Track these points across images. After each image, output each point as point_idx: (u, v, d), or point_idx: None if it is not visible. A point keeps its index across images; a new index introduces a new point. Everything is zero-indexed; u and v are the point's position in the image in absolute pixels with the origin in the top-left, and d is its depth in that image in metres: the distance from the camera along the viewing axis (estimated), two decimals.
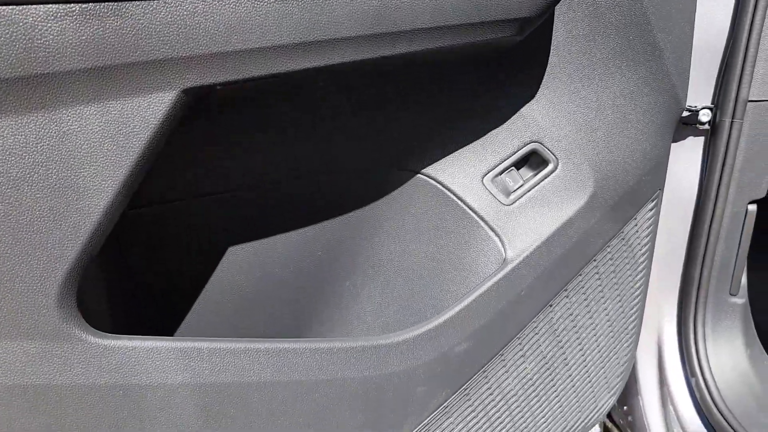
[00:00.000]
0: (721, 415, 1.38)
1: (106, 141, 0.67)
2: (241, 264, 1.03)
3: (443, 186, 1.05)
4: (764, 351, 1.48)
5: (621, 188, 1.11)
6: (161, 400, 0.80)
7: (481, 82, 1.04)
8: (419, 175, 1.05)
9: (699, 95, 1.31)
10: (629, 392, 1.56)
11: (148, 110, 0.68)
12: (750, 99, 1.26)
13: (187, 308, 1.02)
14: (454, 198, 1.05)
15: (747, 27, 1.21)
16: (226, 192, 0.98)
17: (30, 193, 0.67)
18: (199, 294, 1.02)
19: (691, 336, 1.43)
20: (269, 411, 0.86)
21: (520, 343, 1.08)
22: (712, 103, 1.31)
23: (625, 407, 1.61)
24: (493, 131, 1.05)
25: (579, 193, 1.07)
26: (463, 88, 1.04)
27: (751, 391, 1.42)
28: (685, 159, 1.35)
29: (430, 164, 1.05)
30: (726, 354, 1.44)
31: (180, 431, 0.82)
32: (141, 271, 0.98)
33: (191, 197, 0.96)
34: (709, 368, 1.42)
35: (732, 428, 1.35)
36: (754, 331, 1.48)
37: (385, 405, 0.96)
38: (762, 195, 1.35)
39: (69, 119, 0.66)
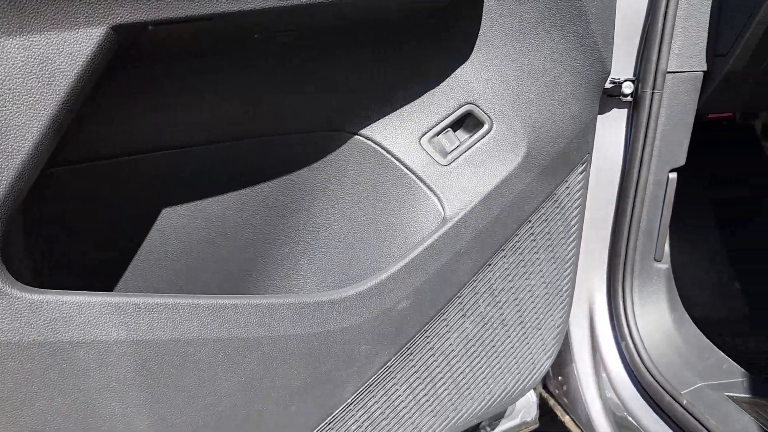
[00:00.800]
0: (651, 375, 1.43)
1: (30, 77, 0.64)
2: (175, 228, 0.99)
3: (381, 147, 1.05)
4: (686, 313, 1.55)
5: (553, 150, 1.14)
6: (95, 357, 0.76)
7: (416, 44, 1.05)
8: (357, 136, 1.05)
9: (622, 68, 1.36)
10: (563, 361, 1.60)
11: (75, 46, 0.65)
12: (668, 70, 1.32)
13: (117, 274, 0.98)
14: (393, 159, 1.05)
15: (664, 0, 1.27)
16: (158, 151, 0.94)
17: None
18: (130, 260, 0.98)
19: (620, 301, 1.49)
20: (210, 369, 0.84)
21: (460, 303, 1.09)
22: (634, 76, 1.36)
23: (560, 377, 1.65)
24: (429, 93, 1.06)
25: (513, 153, 1.09)
26: (399, 50, 1.04)
27: (677, 351, 1.48)
28: (611, 130, 1.40)
29: (367, 125, 1.05)
30: (652, 317, 1.50)
31: (116, 390, 0.78)
32: (71, 231, 0.94)
33: (122, 156, 0.92)
34: (638, 331, 1.48)
35: (661, 386, 1.41)
36: (677, 294, 1.55)
37: (329, 363, 0.94)
38: (681, 163, 1.42)
39: None
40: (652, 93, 1.34)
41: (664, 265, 1.52)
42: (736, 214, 2.03)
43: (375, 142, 1.05)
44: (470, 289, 1.10)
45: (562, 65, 1.14)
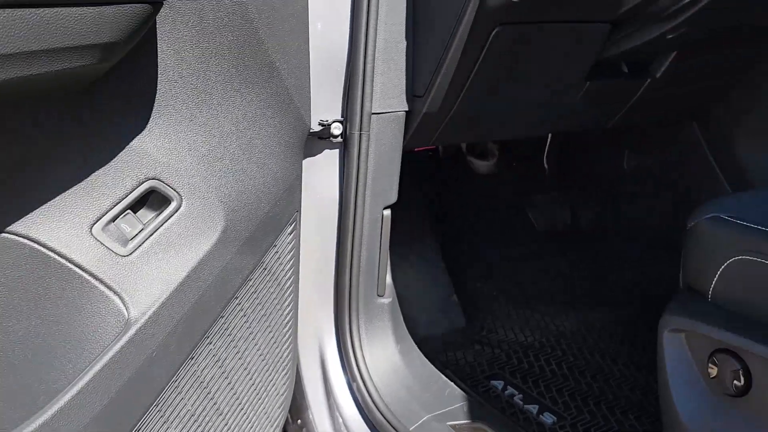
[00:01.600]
0: (380, 413, 1.44)
1: None
2: None
3: (40, 244, 0.86)
4: (413, 342, 1.60)
5: (256, 218, 1.05)
6: None
7: (77, 114, 0.87)
8: (4, 234, 0.84)
9: (330, 110, 1.32)
10: (300, 407, 1.55)
11: None
12: (373, 112, 1.31)
13: None
14: (56, 257, 0.86)
15: (362, 45, 1.25)
16: None
17: None
18: None
19: (349, 342, 1.47)
20: None
21: (160, 410, 0.95)
22: (342, 117, 1.33)
23: (299, 421, 1.60)
24: (99, 171, 0.89)
25: (209, 230, 0.98)
26: (52, 123, 0.85)
27: (404, 384, 1.51)
28: (324, 171, 1.37)
29: (18, 219, 0.84)
30: (380, 353, 1.52)
31: None
32: None
33: None
34: (367, 370, 1.48)
35: (390, 425, 1.42)
36: (404, 325, 1.58)
37: None
38: (394, 200, 1.44)
39: None
40: (360, 134, 1.33)
41: (388, 299, 1.53)
42: (450, 233, 2.17)
43: (30, 239, 0.85)
44: (172, 389, 0.96)
45: (257, 125, 1.05)
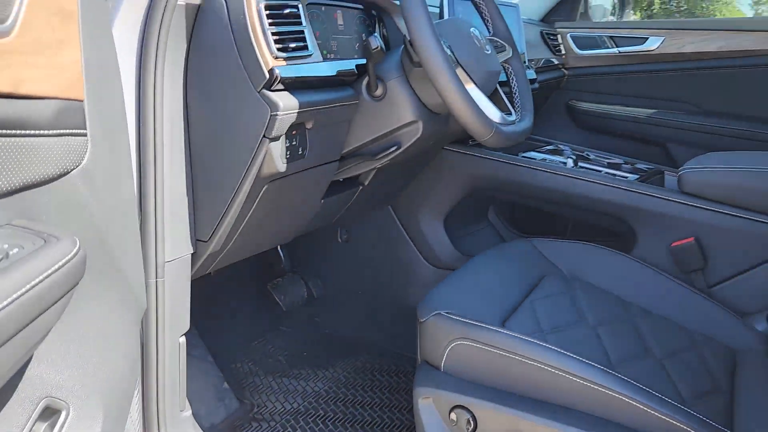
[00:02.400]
0: None
1: None
2: None
3: None
4: None
5: (120, 398, 1.23)
6: None
7: None
8: None
9: None
10: None
11: None
12: (166, 260, 1.55)
13: None
14: None
15: (153, 205, 1.48)
16: None
17: None
18: None
19: None
20: None
21: None
22: None
23: None
24: (7, 406, 1.01)
25: (94, 424, 1.14)
26: None
27: None
28: None
29: None
30: None
31: None
32: None
33: None
34: None
35: None
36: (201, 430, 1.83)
37: None
38: (187, 328, 1.69)
39: None
40: (156, 281, 1.55)
41: (188, 412, 1.77)
42: (207, 324, 2.42)
43: None
44: None
45: (111, 323, 1.23)
